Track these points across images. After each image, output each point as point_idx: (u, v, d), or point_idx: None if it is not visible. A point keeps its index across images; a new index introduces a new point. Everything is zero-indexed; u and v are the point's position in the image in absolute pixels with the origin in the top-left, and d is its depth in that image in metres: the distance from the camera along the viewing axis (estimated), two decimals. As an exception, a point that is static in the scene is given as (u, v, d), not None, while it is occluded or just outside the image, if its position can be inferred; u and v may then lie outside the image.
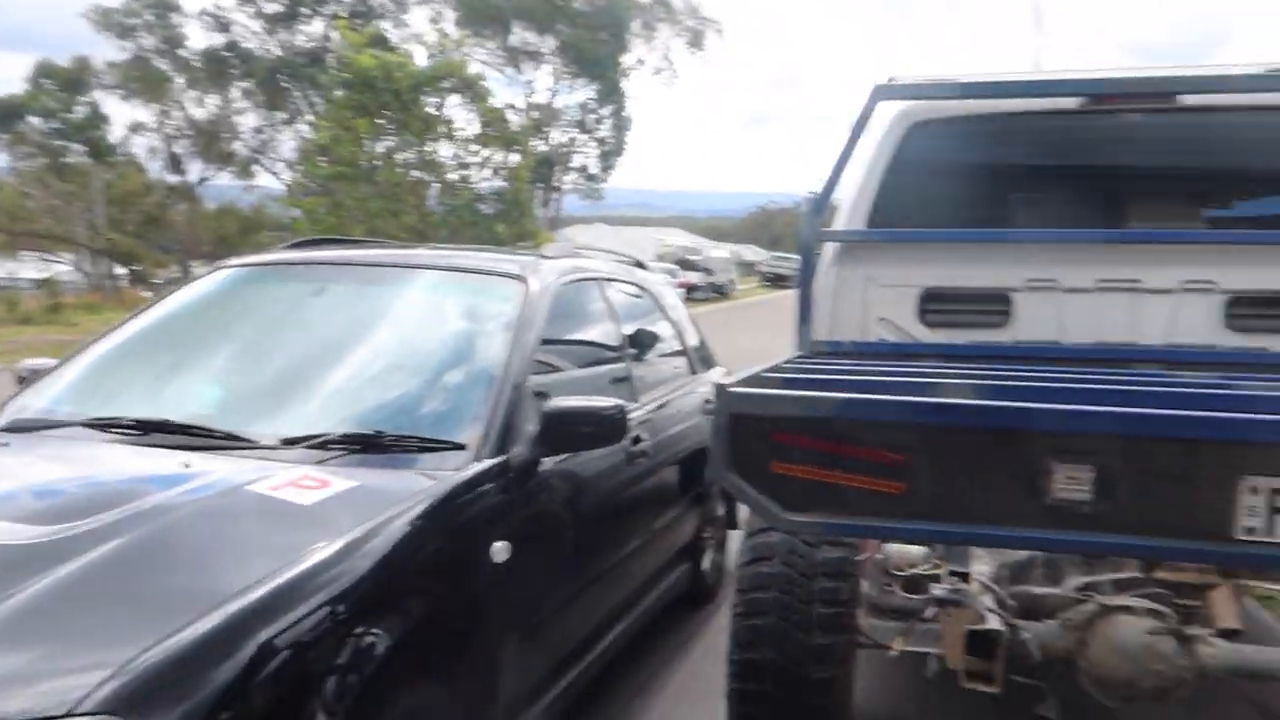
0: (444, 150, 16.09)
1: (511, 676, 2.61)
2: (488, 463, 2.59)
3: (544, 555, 2.85)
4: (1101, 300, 3.47)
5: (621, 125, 43.11)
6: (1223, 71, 3.52)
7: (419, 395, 2.88)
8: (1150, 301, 3.43)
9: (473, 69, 18.31)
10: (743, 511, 5.00)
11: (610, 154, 43.32)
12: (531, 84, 43.05)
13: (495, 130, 16.24)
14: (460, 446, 2.60)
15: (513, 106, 39.75)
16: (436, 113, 15.85)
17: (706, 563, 4.73)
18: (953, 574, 2.12)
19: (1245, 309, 3.37)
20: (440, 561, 2.36)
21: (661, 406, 4.06)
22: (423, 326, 3.25)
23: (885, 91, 3.42)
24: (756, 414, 1.81)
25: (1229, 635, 2.56)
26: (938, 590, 2.15)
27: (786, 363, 2.94)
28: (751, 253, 60.54)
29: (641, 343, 4.32)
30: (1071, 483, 1.71)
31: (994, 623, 2.10)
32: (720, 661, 3.75)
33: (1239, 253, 3.38)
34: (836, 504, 1.81)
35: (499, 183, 16.29)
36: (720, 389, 1.83)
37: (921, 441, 1.75)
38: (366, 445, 2.57)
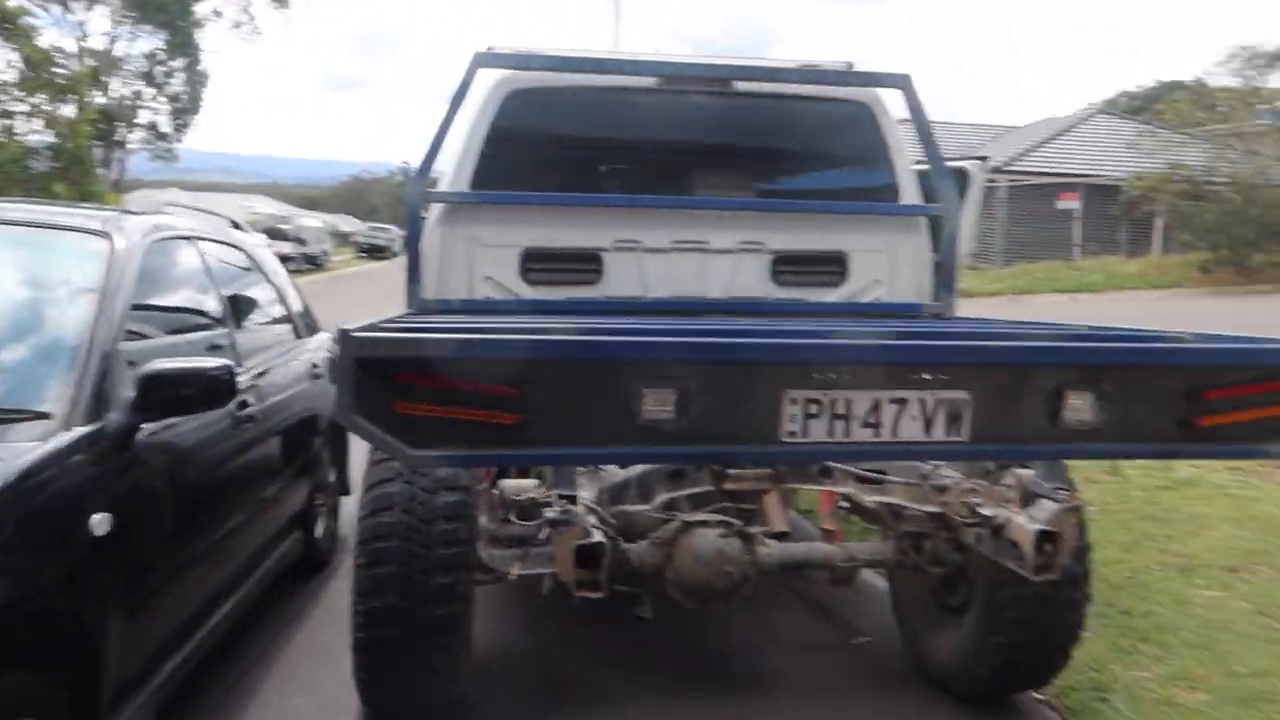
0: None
1: (117, 657, 2.46)
2: (78, 431, 2.40)
3: (148, 526, 2.70)
4: (676, 259, 3.97)
5: (197, 81, 39.24)
6: (772, 64, 4.14)
7: (-10, 361, 2.57)
8: (715, 260, 3.99)
9: (13, 2, 15.69)
10: (355, 475, 5.00)
11: (184, 112, 39.30)
12: (83, 26, 37.77)
13: (45, 74, 14.07)
14: (45, 415, 2.38)
15: (61, 50, 34.65)
16: (-39, 49, 13.47)
17: (320, 530, 4.68)
18: (561, 498, 2.37)
19: (786, 266, 4.03)
20: (27, 537, 2.16)
21: (266, 372, 3.94)
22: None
23: (484, 60, 3.61)
24: (379, 356, 1.90)
25: (779, 537, 3.11)
26: (549, 514, 2.39)
27: (400, 317, 3.04)
28: (347, 223, 58.44)
29: (242, 307, 4.14)
30: (659, 404, 2.01)
31: (598, 537, 2.39)
32: (339, 624, 3.78)
33: (781, 219, 4.03)
34: (458, 438, 1.96)
35: (51, 138, 14.18)
36: (344, 333, 1.89)
37: (532, 376, 1.96)
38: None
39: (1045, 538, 2.53)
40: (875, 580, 4.16)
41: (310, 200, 72.61)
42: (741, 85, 3.98)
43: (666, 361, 2.01)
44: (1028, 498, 2.71)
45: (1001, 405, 2.18)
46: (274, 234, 38.10)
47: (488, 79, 3.81)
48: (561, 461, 2.26)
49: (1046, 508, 2.59)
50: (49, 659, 2.18)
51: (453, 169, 3.87)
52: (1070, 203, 24.41)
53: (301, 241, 39.41)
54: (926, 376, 2.11)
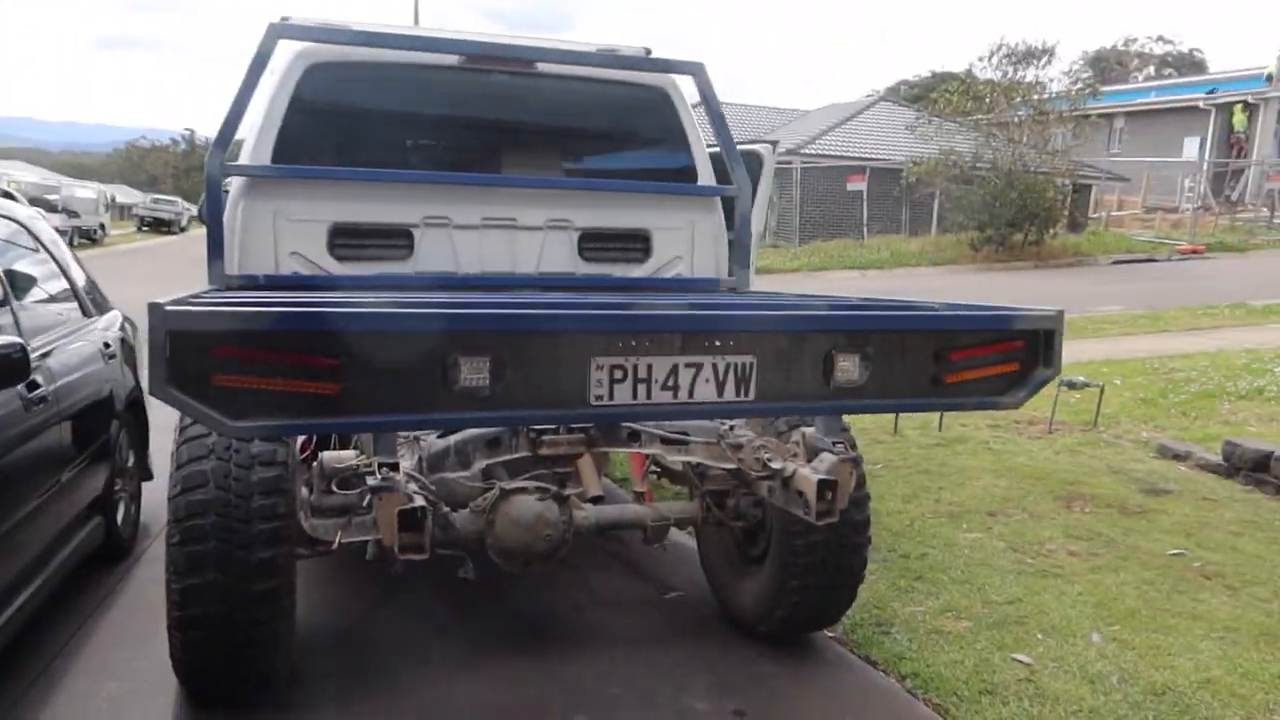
0: None
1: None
2: None
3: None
4: (487, 236, 4.06)
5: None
6: (572, 47, 4.28)
7: None
8: (524, 236, 4.11)
9: None
10: (158, 458, 4.81)
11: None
12: None
13: None
14: None
15: None
16: None
17: (121, 516, 4.49)
18: (382, 465, 2.44)
19: (592, 243, 4.20)
20: None
21: (52, 352, 3.75)
22: None
23: (280, 30, 3.56)
24: (195, 330, 1.92)
25: (595, 501, 3.30)
26: (371, 481, 2.46)
27: (205, 292, 2.99)
28: (125, 194, 54.14)
29: (20, 283, 3.90)
30: (474, 372, 2.13)
31: (420, 501, 2.48)
32: (147, 611, 3.69)
33: (587, 197, 4.19)
34: (280, 408, 2.00)
35: None
36: (155, 307, 1.89)
37: (353, 347, 2.03)
38: None
39: (826, 486, 2.83)
40: (684, 539, 4.46)
41: (81, 168, 66.76)
42: (544, 67, 4.09)
43: (480, 332, 2.13)
44: (811, 452, 3.02)
45: (782, 368, 2.44)
46: (40, 204, 34.86)
47: (286, 50, 3.75)
48: (382, 428, 2.33)
49: (827, 460, 2.90)
50: None
51: (252, 141, 3.79)
52: (858, 185, 26.00)
53: (73, 214, 36.05)
54: (718, 344, 2.34)
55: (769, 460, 3.05)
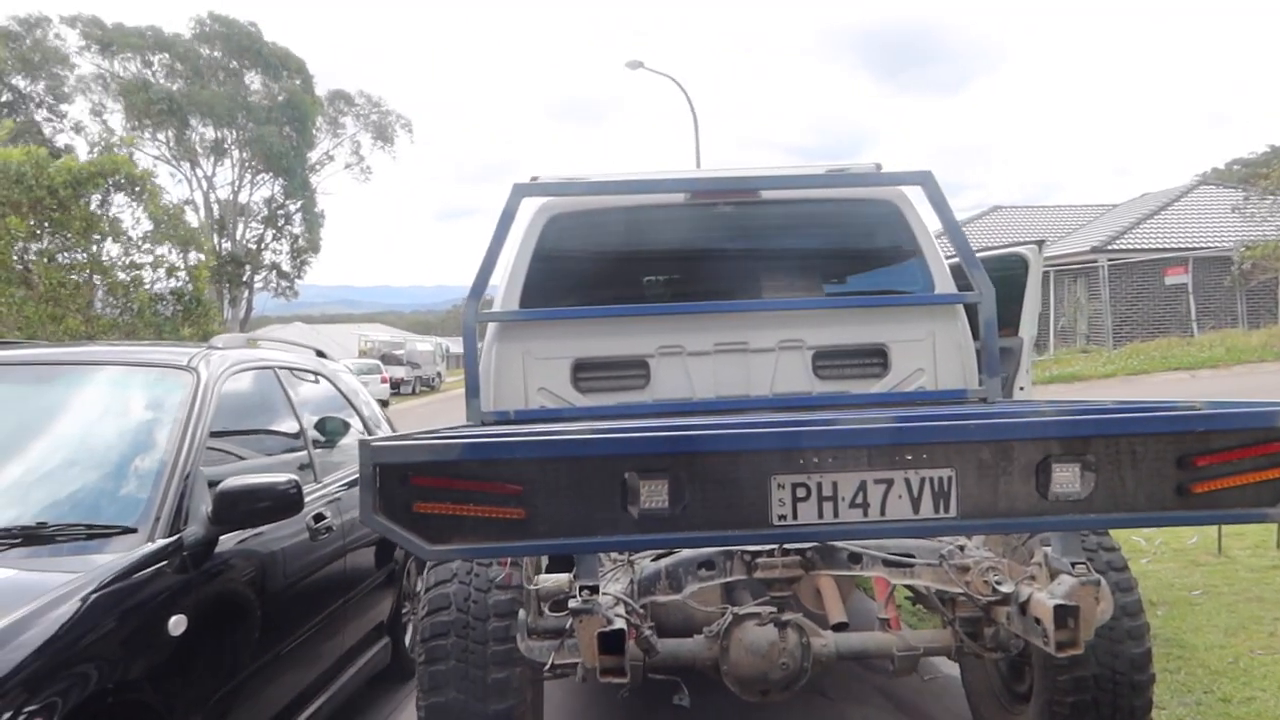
0: (112, 250, 15.18)
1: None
2: (160, 543, 2.70)
3: (225, 630, 2.96)
4: (720, 361, 4.15)
5: (313, 221, 42.12)
6: (796, 172, 4.36)
7: (87, 486, 2.93)
8: (757, 359, 4.15)
9: (145, 164, 17.41)
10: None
11: (304, 250, 42.07)
12: (211, 179, 41.21)
13: (169, 229, 15.53)
14: (131, 530, 2.69)
15: (191, 203, 37.76)
16: (99, 211, 14.91)
17: (409, 638, 4.88)
18: (583, 588, 2.52)
19: (826, 361, 4.16)
20: (110, 639, 2.43)
21: (348, 486, 4.24)
22: (91, 420, 3.27)
23: (524, 190, 3.95)
24: (396, 462, 2.13)
25: (838, 628, 3.15)
26: (572, 604, 2.54)
27: (448, 429, 3.29)
28: (458, 346, 60.52)
29: (323, 428, 4.49)
30: (653, 494, 2.18)
31: (619, 624, 2.52)
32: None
33: (817, 316, 4.18)
34: (471, 533, 2.15)
35: (175, 283, 15.54)
36: (363, 444, 2.13)
37: (534, 473, 2.15)
38: (28, 537, 2.61)
39: (1065, 612, 2.54)
40: (953, 670, 4.12)
41: (424, 325, 75.90)
42: (768, 194, 4.20)
43: (654, 454, 2.18)
44: (1054, 574, 2.73)
45: (988, 481, 2.26)
46: (389, 359, 40.07)
47: (530, 205, 4.14)
48: (564, 551, 2.42)
49: (1066, 582, 2.60)
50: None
51: (503, 289, 4.17)
52: (1179, 277, 23.64)
53: (415, 365, 41.15)
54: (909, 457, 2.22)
55: (998, 584, 2.79)
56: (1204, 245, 24.31)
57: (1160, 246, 25.00)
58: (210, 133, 40.38)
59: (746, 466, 2.21)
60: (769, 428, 2.32)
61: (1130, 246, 25.24)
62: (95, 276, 14.93)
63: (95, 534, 2.67)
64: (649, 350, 4.12)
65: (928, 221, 4.29)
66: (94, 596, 2.41)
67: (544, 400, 4.09)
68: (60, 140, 36.35)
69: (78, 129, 38.18)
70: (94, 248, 14.83)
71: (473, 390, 3.99)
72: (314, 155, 42.49)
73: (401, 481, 2.13)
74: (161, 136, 39.81)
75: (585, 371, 4.12)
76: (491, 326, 4.16)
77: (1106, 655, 3.18)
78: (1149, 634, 3.25)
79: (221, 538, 2.98)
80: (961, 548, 2.99)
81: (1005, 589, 2.75)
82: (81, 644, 2.33)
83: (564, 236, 4.15)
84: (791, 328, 4.15)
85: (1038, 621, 2.63)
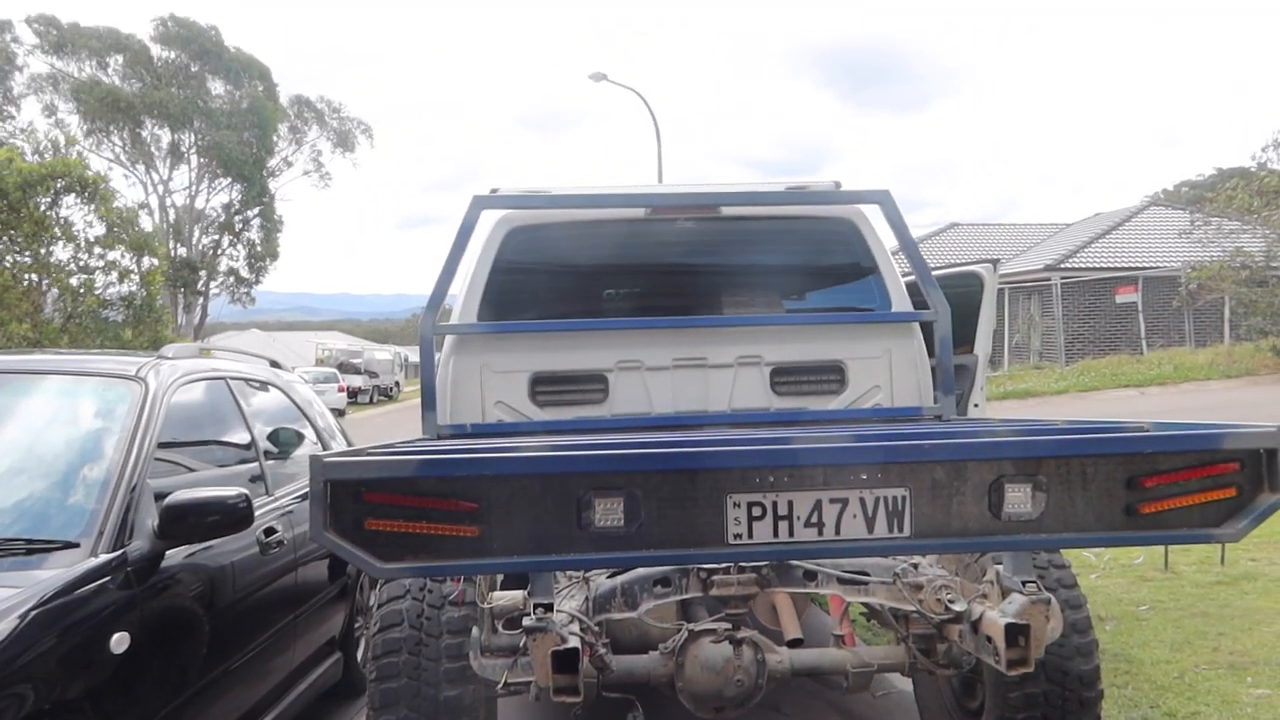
0: (62, 253, 14.86)
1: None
2: (103, 558, 2.64)
3: (171, 647, 2.89)
4: (679, 376, 4.14)
5: (271, 227, 41.58)
6: (756, 188, 4.38)
7: (28, 499, 2.85)
8: (715, 375, 4.15)
9: (98, 165, 17.10)
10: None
11: (261, 257, 41.51)
12: (168, 183, 40.57)
13: (122, 232, 15.25)
14: (73, 545, 2.63)
15: (146, 207, 37.13)
16: (49, 213, 14.60)
17: (361, 654, 4.81)
18: (537, 606, 2.49)
19: (784, 377, 4.18)
20: (48, 658, 2.37)
21: (300, 499, 4.17)
22: (34, 431, 3.19)
23: (483, 202, 3.92)
24: (348, 478, 2.10)
25: (793, 644, 3.15)
26: (526, 621, 2.51)
27: (402, 443, 3.25)
28: (417, 354, 60.09)
29: (276, 439, 4.41)
30: (608, 513, 2.16)
31: (573, 643, 2.50)
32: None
33: (776, 332, 4.20)
34: (424, 551, 2.12)
35: (128, 288, 15.25)
36: (314, 459, 2.09)
37: (488, 490, 2.13)
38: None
39: (1015, 630, 2.56)
40: (907, 686, 4.14)
41: (382, 333, 75.27)
42: (728, 210, 4.21)
43: (609, 473, 2.17)
44: (1004, 591, 2.75)
45: (941, 501, 2.28)
46: (346, 368, 39.65)
47: (490, 217, 4.11)
48: (518, 569, 2.39)
49: (1017, 601, 2.63)
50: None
51: (461, 301, 4.14)
52: (1129, 296, 24.12)
53: (373, 374, 40.73)
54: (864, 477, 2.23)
55: (951, 602, 2.81)
56: (1153, 265, 24.84)
57: (1111, 265, 25.49)
58: (166, 136, 39.78)
59: (702, 485, 2.21)
60: (725, 446, 2.32)
61: (1082, 265, 25.71)
62: (44, 280, 14.62)
63: (35, 549, 2.60)
64: (608, 365, 4.11)
65: (885, 240, 4.33)
66: (32, 614, 2.34)
67: (501, 414, 4.06)
68: (10, 144, 35.62)
69: (27, 133, 37.52)
70: (43, 250, 14.52)
71: (429, 403, 3.94)
72: (273, 161, 41.99)
73: (354, 498, 2.10)
74: (116, 139, 39.15)
75: (543, 385, 4.09)
76: (449, 339, 4.12)
77: (1056, 671, 3.22)
78: (1098, 650, 3.30)
79: (169, 552, 2.91)
80: (915, 565, 3.01)
81: (958, 607, 2.77)
82: (18, 663, 2.26)
83: (524, 249, 4.13)
84: (750, 344, 4.16)
85: (989, 640, 2.66)
